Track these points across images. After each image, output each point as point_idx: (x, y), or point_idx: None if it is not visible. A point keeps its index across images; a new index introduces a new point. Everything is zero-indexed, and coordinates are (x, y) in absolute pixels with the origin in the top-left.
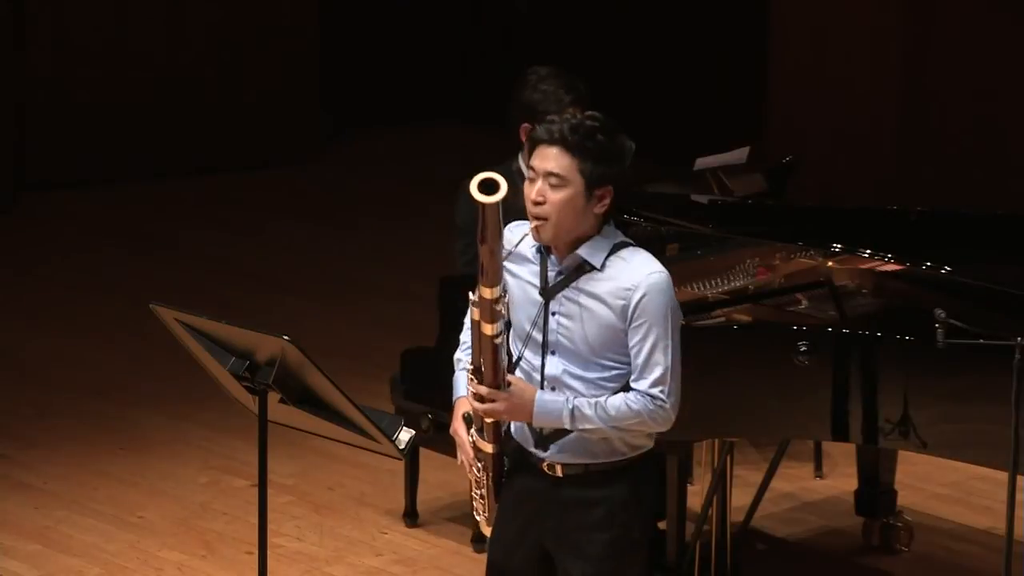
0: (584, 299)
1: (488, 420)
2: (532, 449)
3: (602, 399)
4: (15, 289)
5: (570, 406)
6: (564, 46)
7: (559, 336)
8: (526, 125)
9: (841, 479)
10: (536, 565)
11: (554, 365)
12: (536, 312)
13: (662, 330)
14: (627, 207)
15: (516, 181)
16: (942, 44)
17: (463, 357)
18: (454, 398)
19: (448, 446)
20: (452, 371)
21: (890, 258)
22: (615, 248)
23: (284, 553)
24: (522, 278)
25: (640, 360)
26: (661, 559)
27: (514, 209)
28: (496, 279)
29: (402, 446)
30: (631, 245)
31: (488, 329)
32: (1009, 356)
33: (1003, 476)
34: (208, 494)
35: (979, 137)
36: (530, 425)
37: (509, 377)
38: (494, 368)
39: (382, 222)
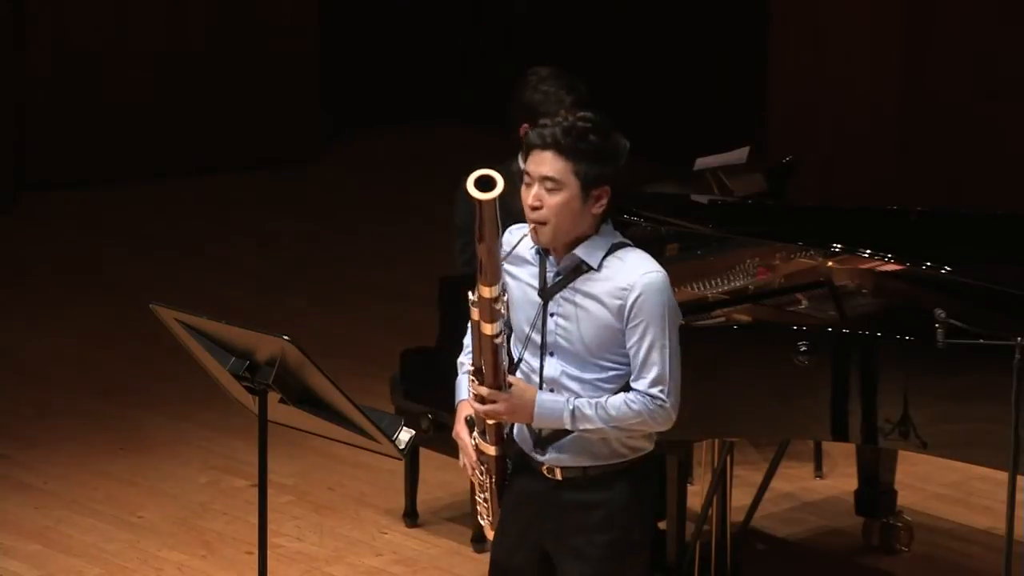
0: (581, 299)
1: (490, 422)
2: (532, 452)
3: (602, 399)
4: (15, 289)
5: (571, 406)
6: (564, 46)
7: (557, 337)
8: (526, 126)
9: (841, 479)
10: (537, 566)
11: (552, 367)
12: (535, 313)
13: (659, 330)
14: (627, 207)
15: (516, 182)
16: (942, 44)
17: (465, 360)
18: (456, 401)
19: (448, 446)
20: (452, 371)
21: (890, 258)
22: (612, 248)
23: (284, 553)
24: (522, 280)
25: (639, 360)
26: (661, 559)
27: (514, 211)
28: (495, 278)
29: (402, 446)
30: (628, 245)
31: (488, 329)
32: (1009, 356)
33: (1003, 476)
34: (208, 494)
35: (979, 137)
36: (529, 427)
37: (510, 378)
38: (494, 369)
39: (382, 222)
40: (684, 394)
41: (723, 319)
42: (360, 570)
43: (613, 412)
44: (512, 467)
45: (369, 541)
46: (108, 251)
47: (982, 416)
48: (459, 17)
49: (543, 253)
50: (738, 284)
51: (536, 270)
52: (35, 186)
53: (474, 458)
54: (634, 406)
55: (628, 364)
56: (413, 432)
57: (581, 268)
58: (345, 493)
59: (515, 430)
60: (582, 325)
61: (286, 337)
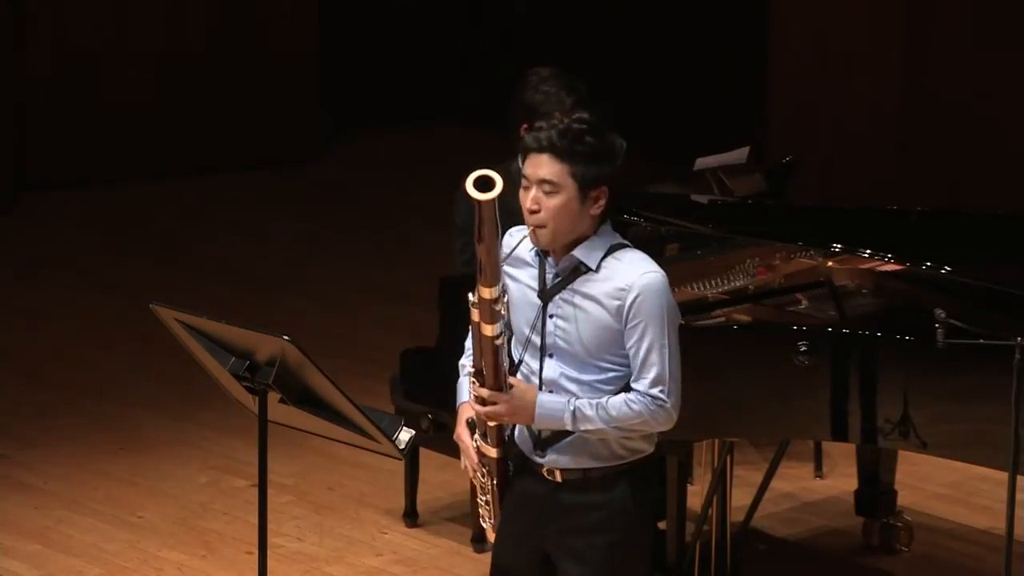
0: (580, 300)
1: (491, 424)
2: (532, 454)
3: (603, 400)
4: (15, 289)
5: (571, 407)
6: (564, 46)
7: (556, 338)
8: (527, 126)
9: (841, 479)
10: (538, 568)
11: (551, 368)
12: (535, 315)
13: (658, 330)
14: (627, 207)
15: (516, 182)
16: (942, 44)
17: (467, 363)
18: (457, 403)
19: (448, 446)
20: (452, 371)
21: (890, 258)
22: (611, 249)
23: (284, 553)
24: (522, 281)
25: (638, 361)
26: (661, 559)
27: (514, 210)
28: (494, 279)
29: (402, 446)
30: (627, 246)
31: (488, 330)
32: (1009, 356)
33: (1003, 476)
34: (208, 494)
35: (979, 137)
36: (530, 429)
37: (510, 379)
38: (495, 370)
39: (382, 222)
40: (684, 394)
41: (723, 319)
42: (360, 570)
43: (614, 412)
44: (513, 469)
45: (369, 541)
46: (108, 251)
47: (982, 416)
48: (459, 17)
49: (542, 255)
50: (738, 284)
51: (536, 272)
52: (35, 186)
53: (476, 460)
54: (635, 406)
55: (627, 366)
56: (413, 432)
57: (580, 269)
58: (345, 493)
59: (516, 432)
60: (581, 326)
61: (286, 337)
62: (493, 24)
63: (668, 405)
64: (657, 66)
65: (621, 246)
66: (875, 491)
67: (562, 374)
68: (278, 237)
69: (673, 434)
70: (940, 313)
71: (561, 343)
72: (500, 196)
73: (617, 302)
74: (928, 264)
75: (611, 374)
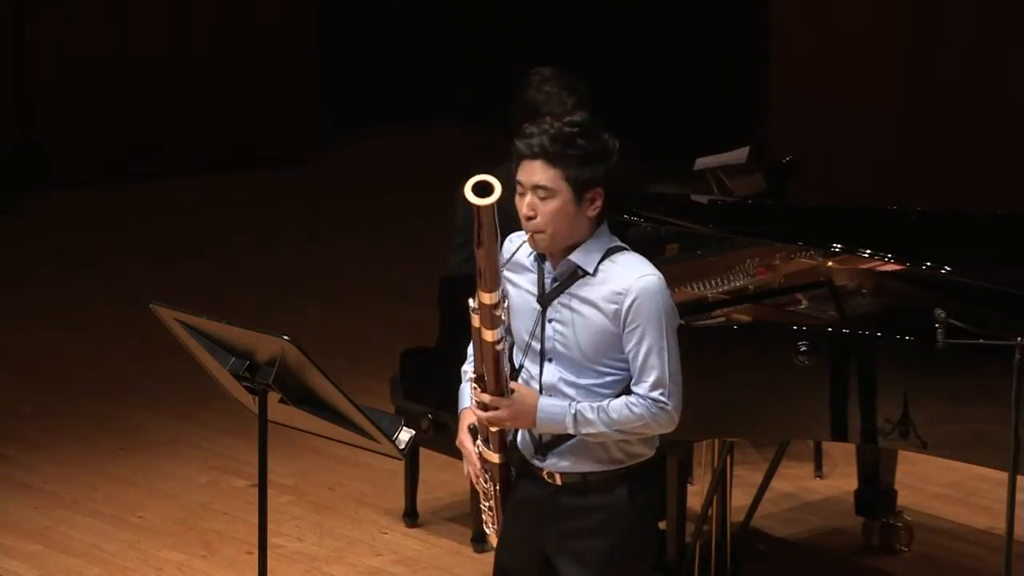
0: (578, 304)
1: (493, 429)
2: (532, 458)
3: (604, 403)
4: (15, 289)
5: (573, 411)
6: (564, 46)
7: (555, 343)
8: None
9: (841, 479)
10: (539, 568)
11: (550, 373)
12: (534, 320)
13: (657, 333)
14: (627, 207)
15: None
16: (943, 44)
17: (469, 369)
18: (459, 409)
19: (448, 446)
20: (452, 370)
21: (890, 258)
22: (608, 252)
23: (284, 553)
24: (521, 287)
25: (638, 364)
26: (661, 559)
27: (514, 214)
28: (494, 284)
29: (402, 446)
30: (624, 249)
31: (489, 335)
32: (1009, 356)
33: (1003, 476)
34: (208, 494)
35: (979, 137)
36: (531, 433)
37: (511, 384)
38: (496, 375)
39: (382, 222)
40: (684, 394)
41: (723, 319)
42: (360, 570)
43: (615, 415)
44: (515, 473)
45: (369, 541)
46: (108, 251)
47: (982, 416)
48: (458, 17)
49: (541, 259)
50: (738, 284)
51: (535, 277)
52: (35, 186)
53: (478, 466)
54: (636, 409)
55: (625, 369)
56: (413, 432)
57: (577, 273)
58: (345, 493)
59: (518, 437)
60: (579, 330)
61: (286, 337)
62: (493, 24)
63: (669, 407)
64: (657, 66)
65: (618, 249)
66: (875, 491)
67: (560, 378)
68: (278, 237)
69: (673, 434)
70: (940, 313)
71: (560, 347)
72: (500, 198)
73: (614, 306)
74: (928, 264)
75: (609, 378)
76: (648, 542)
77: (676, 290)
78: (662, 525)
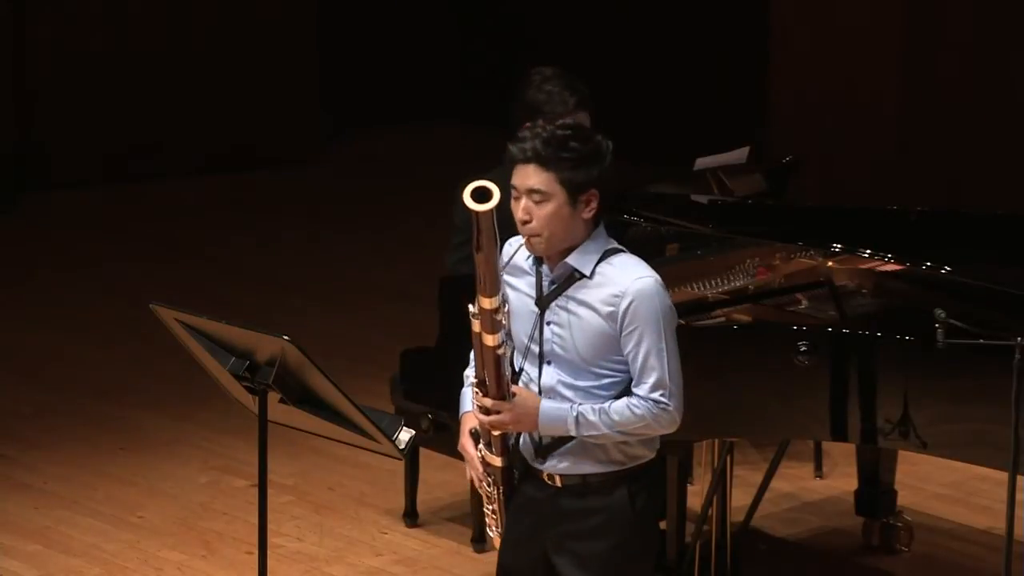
0: (575, 307)
1: (495, 433)
2: (533, 461)
3: (605, 405)
4: (15, 289)
5: (574, 413)
6: (564, 46)
7: (553, 345)
8: (529, 125)
9: (841, 479)
10: (541, 569)
11: (549, 375)
12: (532, 323)
13: (655, 334)
14: (627, 207)
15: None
16: (943, 44)
17: (470, 373)
18: (460, 413)
19: (448, 446)
20: (452, 371)
21: (890, 258)
22: (605, 254)
23: (284, 553)
24: (520, 290)
25: (637, 365)
26: (661, 559)
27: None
28: (494, 288)
29: (402, 446)
30: (621, 251)
31: (490, 340)
32: (1009, 356)
33: (1003, 476)
34: (208, 494)
35: (979, 137)
36: (531, 436)
37: (513, 387)
38: (497, 379)
39: (382, 222)
40: (684, 394)
41: (723, 319)
42: (360, 570)
43: (616, 417)
44: (518, 476)
45: (369, 541)
46: (108, 251)
47: (982, 416)
48: (458, 17)
49: (538, 262)
50: (738, 284)
51: (533, 280)
52: (35, 186)
53: (480, 471)
54: (637, 411)
55: (624, 371)
56: (413, 432)
57: (574, 276)
58: (345, 493)
59: (520, 440)
60: (576, 333)
61: (286, 337)
62: (493, 24)
63: (671, 408)
64: (657, 66)
65: (615, 251)
66: (875, 491)
67: (559, 381)
68: (278, 237)
69: (673, 434)
70: (940, 313)
71: (558, 350)
72: (500, 200)
73: (611, 308)
74: (928, 264)
75: (607, 380)
76: (649, 544)
77: (676, 290)
78: (662, 525)
